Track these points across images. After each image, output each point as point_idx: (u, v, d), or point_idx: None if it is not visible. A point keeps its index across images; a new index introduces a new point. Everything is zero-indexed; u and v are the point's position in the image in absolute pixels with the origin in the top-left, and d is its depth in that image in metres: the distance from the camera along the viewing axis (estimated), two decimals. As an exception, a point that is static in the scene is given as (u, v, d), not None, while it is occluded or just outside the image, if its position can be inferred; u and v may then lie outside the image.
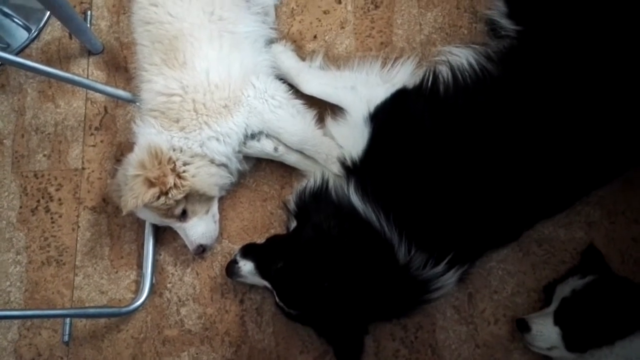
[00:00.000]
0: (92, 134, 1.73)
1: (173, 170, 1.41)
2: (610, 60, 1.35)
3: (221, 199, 1.60)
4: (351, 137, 1.45)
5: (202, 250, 1.52)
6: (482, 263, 1.53)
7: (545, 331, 1.39)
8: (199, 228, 1.50)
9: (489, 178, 1.36)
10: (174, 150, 1.43)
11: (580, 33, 1.38)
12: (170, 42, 1.47)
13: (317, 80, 1.59)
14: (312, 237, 1.39)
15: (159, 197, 1.41)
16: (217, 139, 1.45)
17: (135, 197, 1.36)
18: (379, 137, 1.41)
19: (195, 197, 1.47)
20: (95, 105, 1.76)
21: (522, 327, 1.42)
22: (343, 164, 1.44)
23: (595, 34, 1.36)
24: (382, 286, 1.35)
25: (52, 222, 1.66)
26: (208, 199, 1.50)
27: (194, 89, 1.44)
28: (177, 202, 1.44)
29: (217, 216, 1.55)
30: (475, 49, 1.51)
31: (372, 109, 1.45)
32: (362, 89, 1.51)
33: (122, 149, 1.68)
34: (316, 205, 1.45)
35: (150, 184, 1.39)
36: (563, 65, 1.37)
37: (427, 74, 1.46)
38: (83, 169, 1.70)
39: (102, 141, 1.73)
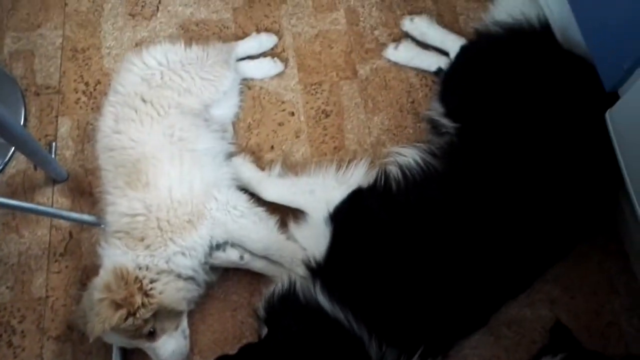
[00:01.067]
0: (56, 261, 1.73)
1: (140, 289, 1.42)
2: (538, 150, 1.48)
3: (190, 313, 1.59)
4: (313, 239, 1.51)
5: None
6: (455, 352, 1.54)
7: (527, 416, 1.38)
8: (169, 346, 1.47)
9: (447, 268, 1.41)
10: (139, 268, 1.45)
11: (507, 127, 1.52)
12: (133, 165, 1.54)
13: (276, 188, 1.68)
14: (283, 341, 1.39)
15: (127, 319, 1.39)
16: (183, 254, 1.48)
17: (102, 321, 1.35)
18: (339, 236, 1.48)
19: (164, 314, 1.46)
20: (60, 232, 1.78)
21: (503, 414, 1.41)
22: (307, 266, 1.47)
23: (521, 128, 1.50)
24: None
25: (15, 357, 1.60)
26: (177, 314, 1.50)
27: (158, 208, 1.49)
28: (146, 321, 1.43)
29: (187, 331, 1.54)
30: (420, 147, 1.63)
31: (331, 209, 1.52)
32: (320, 193, 1.60)
33: (87, 272, 1.68)
34: (285, 309, 1.46)
35: (117, 306, 1.39)
36: (497, 157, 1.49)
37: (380, 173, 1.57)
38: (47, 297, 1.68)
39: (67, 267, 1.72)
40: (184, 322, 1.52)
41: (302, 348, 1.36)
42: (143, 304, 1.41)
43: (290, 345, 1.38)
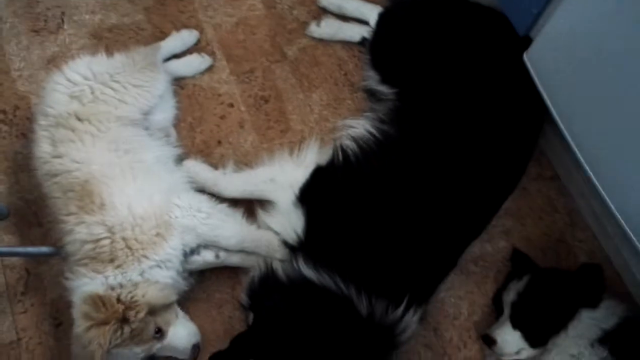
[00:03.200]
0: (19, 301, 1.64)
1: (118, 300, 1.39)
2: (473, 98, 1.60)
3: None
4: (287, 222, 1.55)
5: (197, 350, 1.50)
6: (434, 297, 1.66)
7: (508, 338, 1.52)
8: (181, 333, 1.48)
9: (416, 220, 1.52)
10: (112, 289, 1.41)
11: (441, 83, 1.63)
12: (83, 187, 1.47)
13: (235, 184, 1.68)
14: (271, 321, 1.43)
15: (122, 329, 1.37)
16: (159, 266, 1.46)
17: (97, 344, 1.32)
18: (313, 212, 1.53)
19: (159, 309, 1.45)
20: (14, 271, 1.68)
21: (488, 341, 1.55)
22: (287, 244, 1.51)
23: (452, 81, 1.62)
24: (354, 341, 1.41)
25: (1, 408, 1.52)
26: (170, 306, 1.49)
27: (121, 227, 1.44)
28: (145, 322, 1.41)
29: (186, 315, 1.54)
30: (368, 117, 1.71)
31: (297, 192, 1.56)
32: (281, 178, 1.62)
33: (56, 305, 1.61)
34: (267, 290, 1.50)
35: (103, 324, 1.35)
36: (439, 112, 1.60)
37: (335, 149, 1.62)
38: (19, 339, 1.60)
39: (32, 305, 1.64)
40: (179, 309, 1.52)
41: (291, 322, 1.42)
42: (129, 308, 1.39)
43: (279, 322, 1.42)
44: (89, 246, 1.44)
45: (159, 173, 1.58)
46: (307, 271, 1.45)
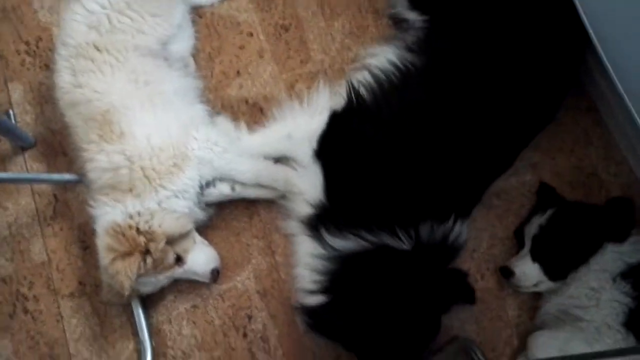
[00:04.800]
0: (49, 225, 1.72)
1: (139, 232, 1.42)
2: (507, 25, 1.48)
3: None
4: (308, 180, 1.50)
5: (217, 274, 1.54)
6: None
7: (527, 270, 1.49)
8: (200, 259, 1.52)
9: (444, 158, 1.44)
10: (130, 217, 1.44)
11: (475, 9, 1.51)
12: (104, 117, 1.49)
13: (252, 149, 1.60)
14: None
15: (145, 260, 1.42)
16: (176, 196, 1.49)
17: (124, 275, 1.37)
18: (330, 167, 1.47)
19: (176, 239, 1.49)
20: (43, 197, 1.75)
21: (506, 273, 1.52)
22: (310, 221, 1.47)
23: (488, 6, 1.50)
24: (416, 277, 1.38)
25: (34, 320, 1.63)
26: (187, 233, 1.52)
27: (140, 157, 1.47)
28: (164, 252, 1.45)
29: (204, 240, 1.57)
30: (394, 44, 1.61)
31: (314, 145, 1.50)
32: (297, 133, 1.56)
33: (83, 229, 1.67)
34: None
35: (128, 255, 1.40)
36: (473, 41, 1.49)
37: (349, 88, 1.52)
38: (49, 260, 1.68)
39: (61, 229, 1.71)
40: (197, 235, 1.55)
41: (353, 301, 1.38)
42: (150, 240, 1.43)
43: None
44: (108, 174, 1.48)
45: (178, 105, 1.58)
46: (336, 242, 1.40)
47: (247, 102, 1.78)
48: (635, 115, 1.37)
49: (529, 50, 1.48)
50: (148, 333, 1.54)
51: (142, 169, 1.47)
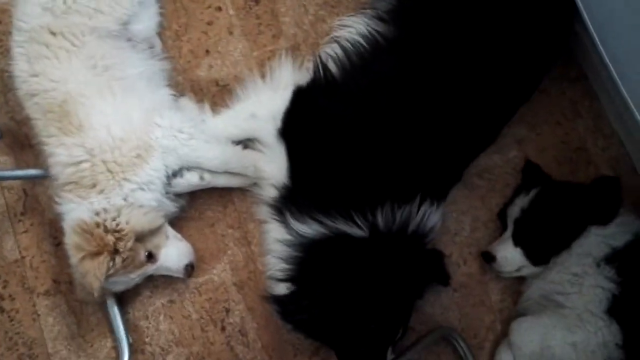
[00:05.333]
0: (19, 221, 1.67)
1: (106, 230, 1.38)
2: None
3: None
4: (273, 161, 1.44)
5: (191, 269, 1.50)
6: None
7: (508, 255, 1.44)
8: (172, 254, 1.47)
9: (418, 136, 1.38)
10: (97, 214, 1.39)
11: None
12: (61, 108, 1.41)
13: (216, 131, 1.51)
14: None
15: (113, 260, 1.37)
16: (141, 189, 1.42)
17: (93, 275, 1.33)
18: (294, 146, 1.40)
19: (147, 236, 1.44)
20: (12, 192, 1.69)
21: (487, 258, 1.48)
22: (280, 198, 1.41)
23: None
24: (373, 265, 1.33)
25: (11, 321, 1.61)
26: (158, 229, 1.47)
27: (101, 150, 1.39)
28: (134, 250, 1.40)
29: (178, 234, 1.52)
30: (366, 14, 1.51)
31: (279, 123, 1.43)
32: (260, 111, 1.48)
33: (55, 225, 1.62)
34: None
35: (96, 255, 1.36)
36: (451, 9, 1.39)
37: (316, 62, 1.44)
38: (22, 257, 1.64)
39: (32, 224, 1.66)
40: (169, 229, 1.50)
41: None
42: (118, 239, 1.38)
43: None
44: (70, 169, 1.41)
45: (140, 91, 1.49)
46: (300, 227, 1.35)
47: (217, 83, 1.69)
48: (619, 83, 1.31)
49: (509, 18, 1.39)
50: (124, 331, 1.52)
51: (104, 162, 1.40)
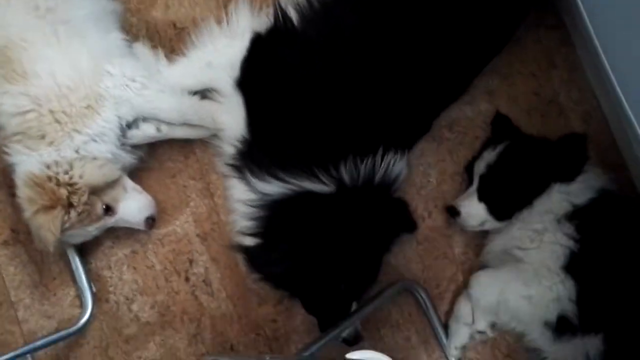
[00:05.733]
0: (-28, 169, 1.61)
1: (58, 184, 1.32)
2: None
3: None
4: (231, 114, 1.37)
5: (152, 221, 1.47)
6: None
7: (472, 210, 1.43)
8: (132, 207, 1.43)
9: (383, 84, 1.33)
10: (48, 167, 1.32)
11: None
12: (3, 54, 1.31)
13: (173, 83, 1.42)
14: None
15: (68, 213, 1.33)
16: (93, 140, 1.35)
17: (48, 230, 1.29)
18: (251, 98, 1.34)
19: (103, 189, 1.39)
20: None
21: (452, 212, 1.47)
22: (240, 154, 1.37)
23: None
24: (341, 220, 1.32)
25: (-32, 272, 1.59)
26: (115, 181, 1.41)
27: (47, 99, 1.31)
28: (91, 203, 1.37)
29: (137, 186, 1.47)
30: None
31: (237, 73, 1.35)
32: (217, 60, 1.39)
33: (8, 175, 1.56)
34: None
35: (50, 209, 1.31)
36: None
37: (276, 7, 1.35)
38: (-24, 207, 1.60)
39: (-20, 172, 1.60)
40: (128, 181, 1.45)
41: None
42: (72, 192, 1.33)
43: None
44: (16, 120, 1.33)
45: (89, 34, 1.37)
46: (262, 185, 1.31)
47: (175, 26, 1.58)
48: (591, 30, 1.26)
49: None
50: (87, 280, 1.50)
51: (51, 112, 1.32)
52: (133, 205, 1.44)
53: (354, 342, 1.40)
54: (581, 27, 1.45)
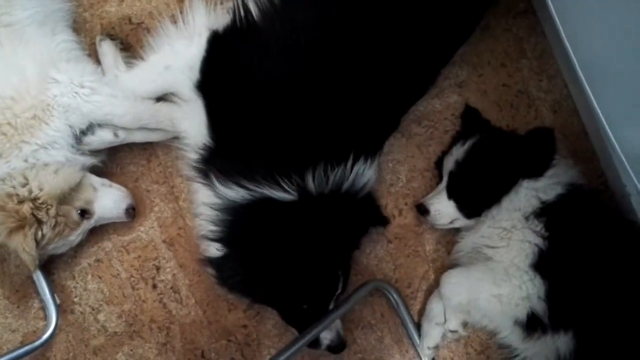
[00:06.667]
0: None
1: (21, 201, 1.26)
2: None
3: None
4: (191, 118, 1.32)
5: (133, 210, 1.42)
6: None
7: (442, 208, 1.41)
8: (108, 203, 1.39)
9: (348, 83, 1.28)
10: (2, 180, 1.27)
11: None
12: None
13: (131, 87, 1.36)
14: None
15: (40, 229, 1.28)
16: (44, 148, 1.29)
17: (23, 251, 1.25)
18: (212, 101, 1.28)
19: (71, 194, 1.33)
20: None
21: (422, 210, 1.44)
22: (202, 159, 1.31)
23: None
24: (307, 228, 1.29)
25: None
26: (80, 183, 1.36)
27: None
28: (63, 214, 1.31)
29: (105, 180, 1.42)
30: None
31: (196, 75, 1.29)
32: (175, 62, 1.33)
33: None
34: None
35: (18, 229, 1.26)
36: None
37: (235, 4, 1.28)
38: None
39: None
40: (94, 178, 1.40)
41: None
42: (37, 208, 1.28)
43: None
44: None
45: (33, 38, 1.30)
46: (225, 191, 1.27)
47: (130, 20, 1.51)
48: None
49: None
50: (50, 291, 1.46)
51: None
52: (108, 201, 1.39)
53: (339, 350, 1.38)
54: (548, 14, 1.42)
